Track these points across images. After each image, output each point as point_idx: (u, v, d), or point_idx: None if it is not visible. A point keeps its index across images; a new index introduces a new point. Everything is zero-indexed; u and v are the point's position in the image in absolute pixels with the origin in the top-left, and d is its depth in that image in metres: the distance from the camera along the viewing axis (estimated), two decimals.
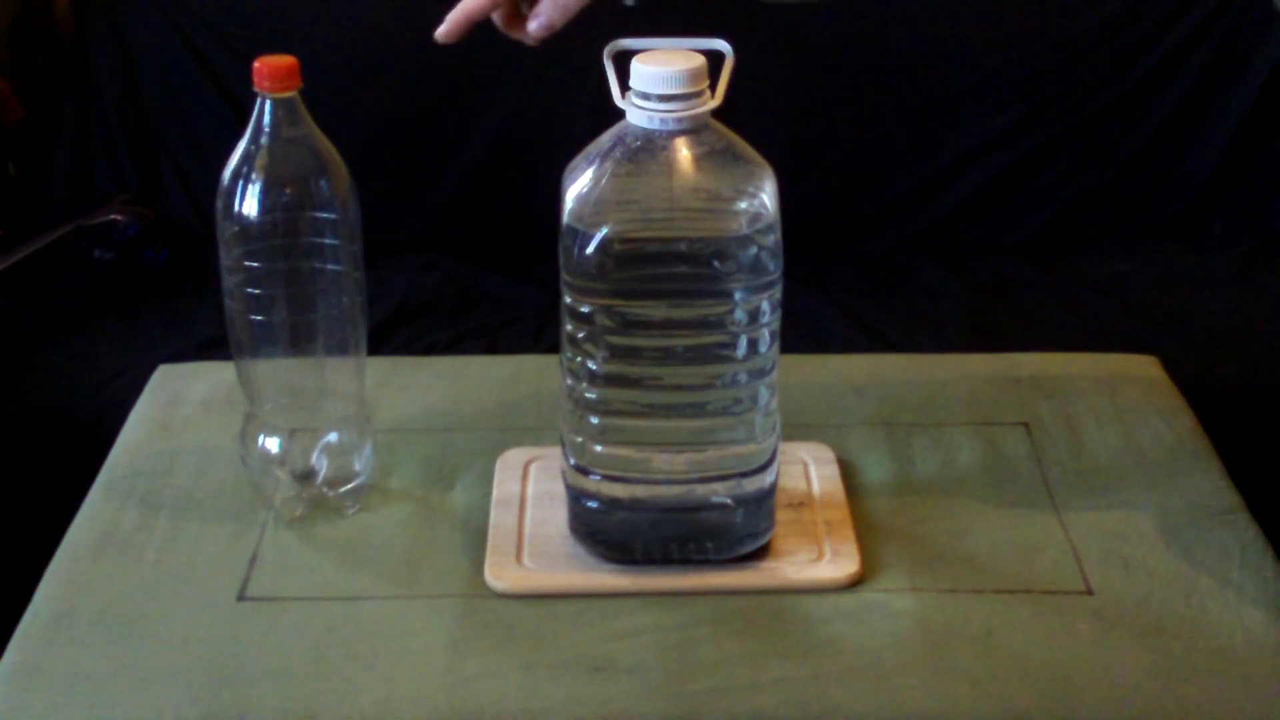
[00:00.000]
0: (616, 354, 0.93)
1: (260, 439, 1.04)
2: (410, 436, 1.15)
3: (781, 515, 1.01)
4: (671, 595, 0.97)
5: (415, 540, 1.03)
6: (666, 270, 0.91)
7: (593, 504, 0.98)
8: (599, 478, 0.97)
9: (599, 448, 0.96)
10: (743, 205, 0.92)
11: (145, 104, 2.06)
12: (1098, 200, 2.06)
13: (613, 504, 0.97)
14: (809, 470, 1.08)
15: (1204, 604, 0.97)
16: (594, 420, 0.95)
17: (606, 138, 0.92)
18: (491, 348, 1.77)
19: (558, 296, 0.94)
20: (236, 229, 0.98)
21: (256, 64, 0.95)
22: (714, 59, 0.91)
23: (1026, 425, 1.16)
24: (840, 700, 0.89)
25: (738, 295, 0.92)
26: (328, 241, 0.99)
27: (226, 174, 0.97)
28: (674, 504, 0.97)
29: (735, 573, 0.98)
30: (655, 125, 0.90)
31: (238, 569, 1.00)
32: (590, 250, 0.90)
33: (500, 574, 0.99)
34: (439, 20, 1.10)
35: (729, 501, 0.97)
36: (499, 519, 1.04)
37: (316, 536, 1.04)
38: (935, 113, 2.04)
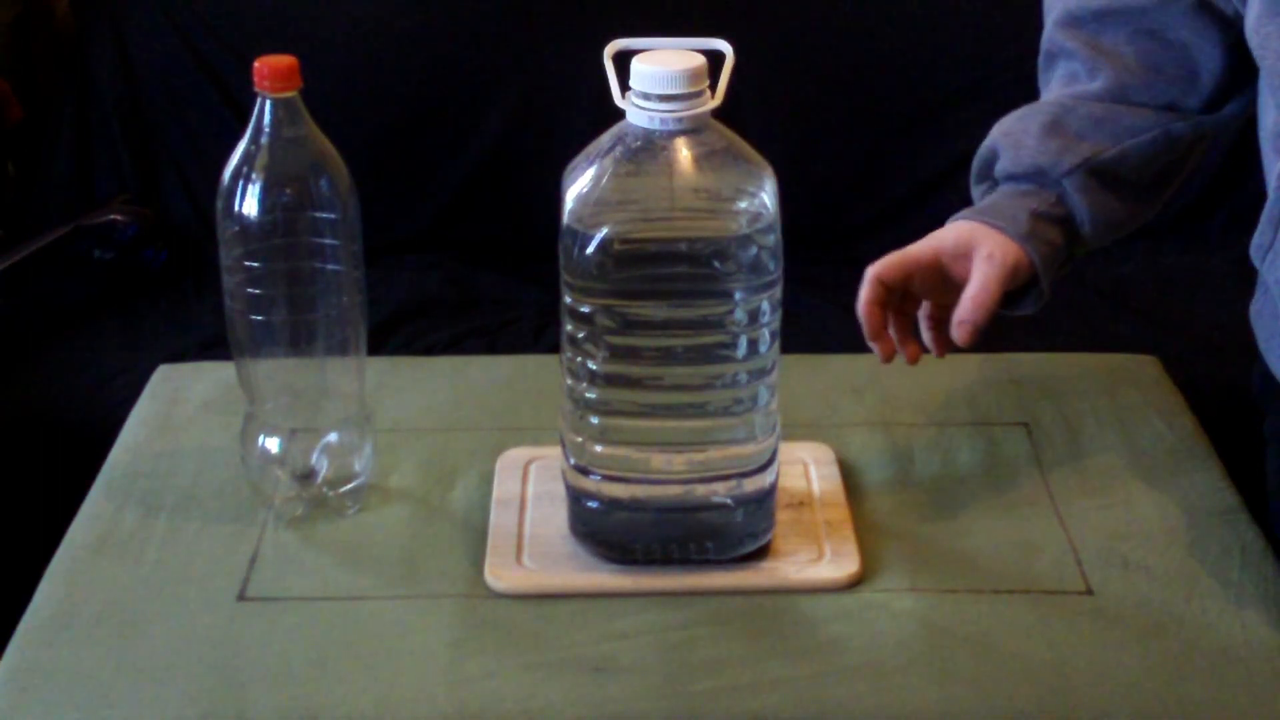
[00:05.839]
0: (616, 354, 0.93)
1: (260, 439, 1.04)
2: (410, 436, 1.15)
3: (781, 515, 1.01)
4: (671, 595, 0.97)
5: (415, 540, 1.03)
6: (666, 270, 0.91)
7: (593, 504, 0.98)
8: (599, 478, 0.97)
9: (599, 448, 0.96)
10: (743, 205, 0.92)
11: (145, 104, 2.06)
12: None
13: (613, 504, 0.97)
14: (809, 470, 1.08)
15: (1204, 604, 0.97)
16: (594, 420, 0.95)
17: (606, 138, 0.92)
18: (491, 348, 1.77)
19: (558, 296, 0.94)
20: (236, 229, 0.98)
21: (256, 64, 0.95)
22: (714, 59, 0.91)
23: (1026, 425, 1.16)
24: (840, 700, 0.89)
25: (738, 295, 0.91)
26: (328, 241, 0.99)
27: (226, 174, 0.97)
28: (674, 504, 0.97)
29: (735, 573, 0.98)
30: (655, 125, 0.90)
31: (238, 569, 1.00)
32: (590, 250, 0.90)
33: (500, 574, 0.98)
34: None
35: (729, 502, 0.97)
36: (499, 519, 1.04)
37: (316, 536, 1.04)
38: (935, 113, 2.04)
